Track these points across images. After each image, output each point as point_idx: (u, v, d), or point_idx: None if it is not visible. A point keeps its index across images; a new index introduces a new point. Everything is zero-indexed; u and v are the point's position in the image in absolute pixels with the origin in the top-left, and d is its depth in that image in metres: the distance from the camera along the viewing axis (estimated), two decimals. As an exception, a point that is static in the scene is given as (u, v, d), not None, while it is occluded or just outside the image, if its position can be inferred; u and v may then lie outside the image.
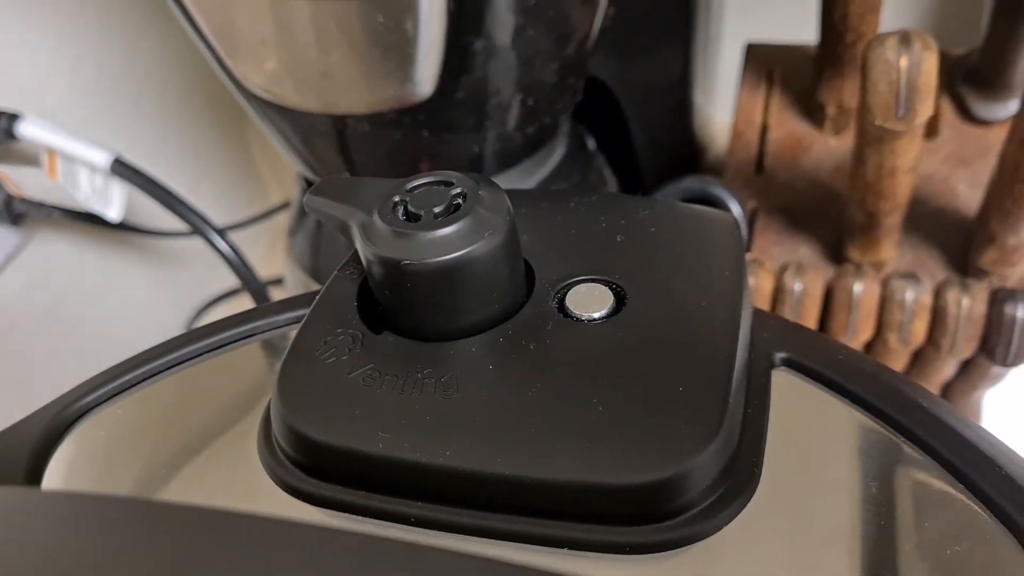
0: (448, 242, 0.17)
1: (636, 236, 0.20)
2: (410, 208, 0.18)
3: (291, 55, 0.28)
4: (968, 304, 0.29)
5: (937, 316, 0.29)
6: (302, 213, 0.38)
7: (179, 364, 0.22)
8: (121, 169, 0.38)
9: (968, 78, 0.36)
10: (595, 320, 0.18)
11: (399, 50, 0.28)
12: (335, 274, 0.20)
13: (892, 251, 0.32)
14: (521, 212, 0.19)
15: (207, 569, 0.10)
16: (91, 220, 0.44)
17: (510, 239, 0.18)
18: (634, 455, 0.16)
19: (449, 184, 0.18)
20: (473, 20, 0.27)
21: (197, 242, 0.55)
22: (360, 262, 0.20)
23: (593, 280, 0.19)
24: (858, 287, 0.30)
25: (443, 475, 0.16)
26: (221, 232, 0.39)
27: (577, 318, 0.18)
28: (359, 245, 0.18)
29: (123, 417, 0.21)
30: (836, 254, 0.34)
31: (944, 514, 0.17)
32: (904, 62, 0.24)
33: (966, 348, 0.30)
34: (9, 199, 0.41)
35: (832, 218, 0.35)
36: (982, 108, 0.35)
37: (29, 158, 0.42)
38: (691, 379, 0.17)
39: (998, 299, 0.29)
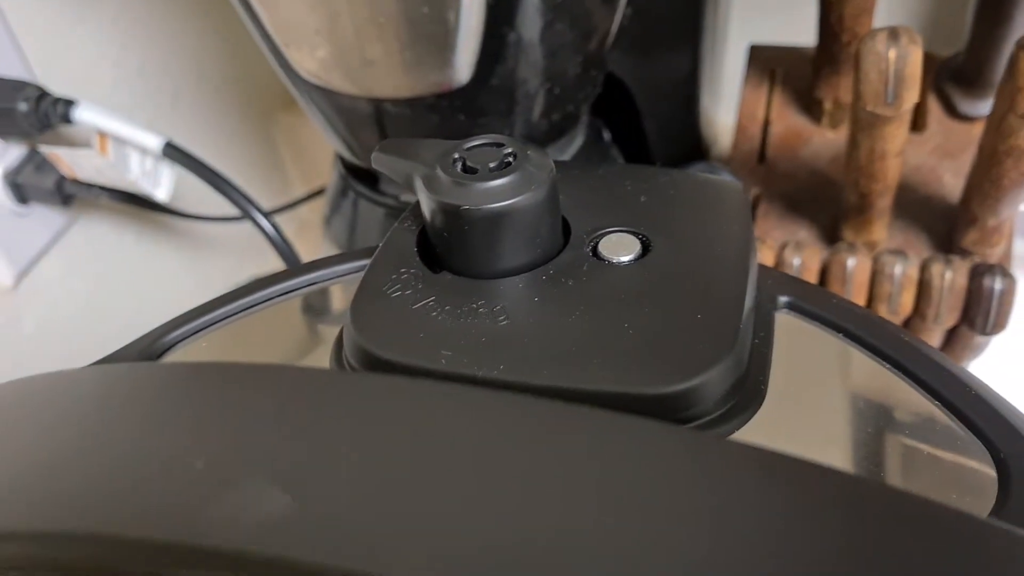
0: (502, 191, 0.20)
1: (657, 197, 0.23)
2: (468, 163, 0.21)
3: (341, 44, 0.31)
4: (951, 277, 0.32)
5: (923, 288, 0.32)
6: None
7: (253, 307, 0.24)
8: (172, 152, 0.41)
9: (953, 78, 0.39)
10: (624, 263, 0.21)
11: (440, 40, 0.31)
12: (395, 226, 0.23)
13: (883, 232, 0.35)
14: (558, 176, 0.22)
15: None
16: (135, 203, 0.47)
17: (553, 192, 0.21)
18: (660, 368, 0.18)
19: (500, 145, 0.21)
20: (508, 13, 0.30)
21: (228, 229, 0.59)
22: (417, 216, 0.23)
23: (622, 231, 0.22)
24: (851, 262, 0.33)
25: (497, 386, 0.19)
26: (267, 215, 0.42)
27: (609, 261, 0.21)
28: (422, 194, 0.21)
29: (205, 352, 0.24)
30: (832, 236, 0.37)
31: (921, 425, 0.20)
32: (892, 54, 0.27)
33: (949, 318, 0.33)
34: (61, 181, 0.44)
35: (828, 204, 0.38)
36: (966, 105, 0.38)
37: (79, 143, 0.45)
38: (707, 309, 0.19)
39: (978, 272, 0.32)
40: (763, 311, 0.22)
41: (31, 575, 0.14)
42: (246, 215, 0.42)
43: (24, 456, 0.15)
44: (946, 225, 0.36)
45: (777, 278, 0.23)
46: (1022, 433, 0.18)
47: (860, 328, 0.21)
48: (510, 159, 0.21)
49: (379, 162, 0.22)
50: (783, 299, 0.22)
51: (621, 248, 0.21)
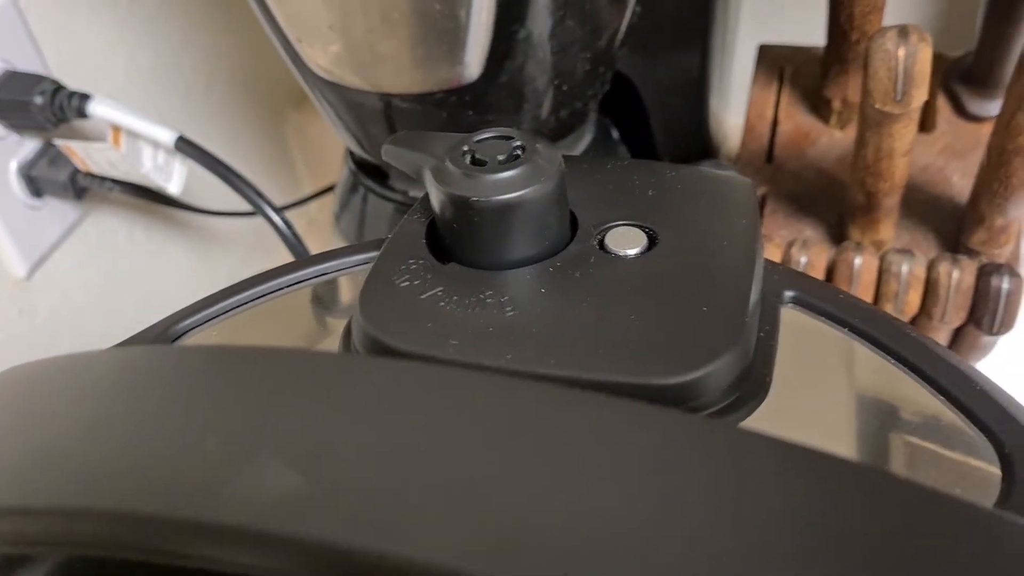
0: (511, 183, 0.20)
1: (665, 191, 0.23)
2: (477, 156, 0.21)
3: (353, 39, 0.32)
4: (958, 276, 0.32)
5: (930, 287, 0.32)
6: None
7: (263, 297, 0.25)
8: (185, 146, 0.42)
9: (963, 78, 0.39)
10: (631, 256, 0.21)
11: (451, 36, 0.31)
12: (404, 218, 0.23)
13: (890, 232, 0.36)
14: (565, 170, 0.22)
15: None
16: (146, 197, 0.47)
17: (561, 184, 0.21)
18: (666, 359, 0.19)
19: (509, 138, 0.21)
20: (518, 9, 0.31)
21: (236, 225, 0.59)
22: (426, 208, 0.23)
23: (629, 224, 0.22)
24: (858, 260, 0.33)
25: (505, 375, 0.19)
26: (279, 210, 0.42)
27: (615, 254, 0.21)
28: (431, 186, 0.21)
29: (215, 340, 0.24)
30: (838, 236, 0.37)
31: (925, 419, 0.20)
32: (902, 52, 0.27)
33: (956, 318, 0.33)
34: (74, 174, 0.45)
35: (836, 204, 0.38)
36: (975, 105, 0.39)
37: (93, 137, 0.45)
38: (714, 301, 0.20)
39: (985, 272, 0.32)
40: (769, 305, 0.22)
41: (49, 551, 0.15)
42: (258, 210, 0.43)
43: (42, 434, 0.15)
44: (954, 225, 0.36)
45: (783, 273, 0.23)
46: (1026, 427, 0.18)
47: (865, 323, 0.21)
48: (519, 152, 0.21)
49: (389, 154, 0.23)
50: (789, 294, 0.22)
51: (628, 241, 0.22)
